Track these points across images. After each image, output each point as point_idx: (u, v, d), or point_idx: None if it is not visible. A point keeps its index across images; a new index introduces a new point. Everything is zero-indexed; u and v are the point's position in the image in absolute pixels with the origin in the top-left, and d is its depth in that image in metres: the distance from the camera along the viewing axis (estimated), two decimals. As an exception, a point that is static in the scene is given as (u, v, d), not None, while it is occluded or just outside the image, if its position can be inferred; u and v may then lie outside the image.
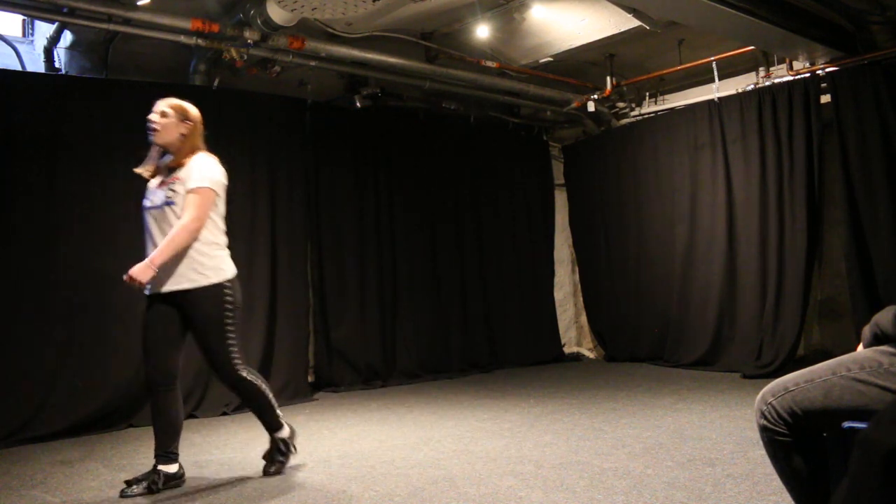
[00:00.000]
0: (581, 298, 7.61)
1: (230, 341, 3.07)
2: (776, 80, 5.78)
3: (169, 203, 3.04)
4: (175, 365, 3.08)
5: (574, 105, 6.70)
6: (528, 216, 7.30)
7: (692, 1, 4.30)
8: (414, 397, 5.33)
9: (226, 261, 3.13)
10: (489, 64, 6.03)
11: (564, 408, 4.61)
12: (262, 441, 3.84)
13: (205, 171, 3.08)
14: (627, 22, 5.33)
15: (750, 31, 4.88)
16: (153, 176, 3.20)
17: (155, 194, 3.13)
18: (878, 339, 1.64)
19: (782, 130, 5.69)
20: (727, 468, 2.99)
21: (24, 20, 5.01)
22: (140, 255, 4.79)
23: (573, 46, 5.85)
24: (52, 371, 4.39)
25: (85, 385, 4.46)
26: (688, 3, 4.38)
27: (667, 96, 6.75)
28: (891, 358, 1.57)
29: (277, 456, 3.27)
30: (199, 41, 4.73)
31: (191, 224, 2.99)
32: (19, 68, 4.74)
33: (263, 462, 3.30)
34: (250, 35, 4.71)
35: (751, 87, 5.95)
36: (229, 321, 3.06)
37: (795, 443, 1.64)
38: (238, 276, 3.19)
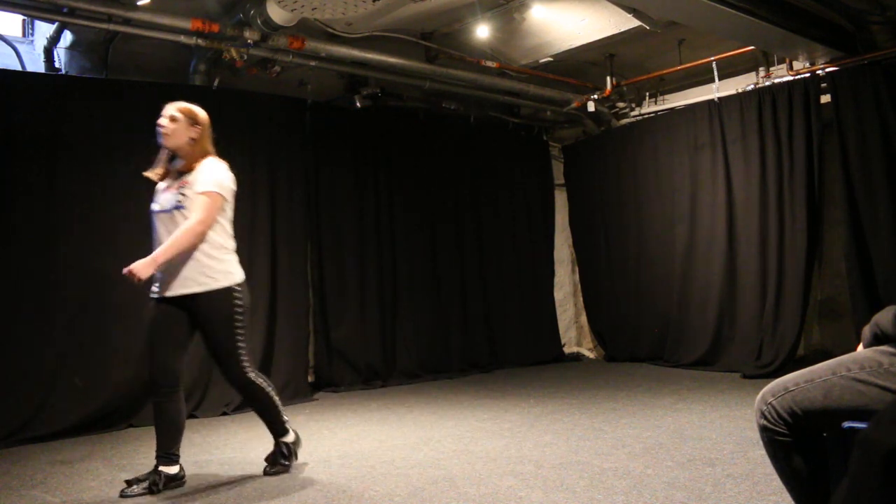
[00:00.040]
0: (581, 298, 7.61)
1: (239, 344, 3.08)
2: (776, 80, 5.78)
3: (179, 207, 3.05)
4: (179, 367, 3.08)
5: (574, 105, 6.70)
6: (528, 216, 7.30)
7: (692, 1, 4.30)
8: (414, 397, 5.33)
9: (235, 265, 3.14)
10: (489, 64, 6.03)
11: (564, 408, 4.61)
12: (262, 441, 3.85)
13: (214, 176, 3.08)
14: (627, 22, 5.33)
15: (750, 31, 4.88)
16: (162, 179, 3.20)
17: (164, 198, 3.14)
18: (878, 339, 1.64)
19: (782, 130, 5.69)
20: (727, 468, 2.99)
21: (24, 20, 5.01)
22: (141, 256, 4.81)
23: (573, 46, 5.85)
24: (52, 371, 4.39)
25: (85, 385, 4.46)
26: (688, 3, 4.38)
27: (667, 96, 6.75)
28: (891, 358, 1.57)
29: (280, 459, 3.28)
30: (199, 41, 4.73)
31: (196, 227, 2.99)
32: (19, 68, 4.74)
33: (265, 463, 3.30)
34: (250, 35, 4.71)
35: (751, 87, 5.95)
36: (239, 324, 3.08)
37: (795, 443, 1.64)
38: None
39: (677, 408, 4.42)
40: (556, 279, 7.51)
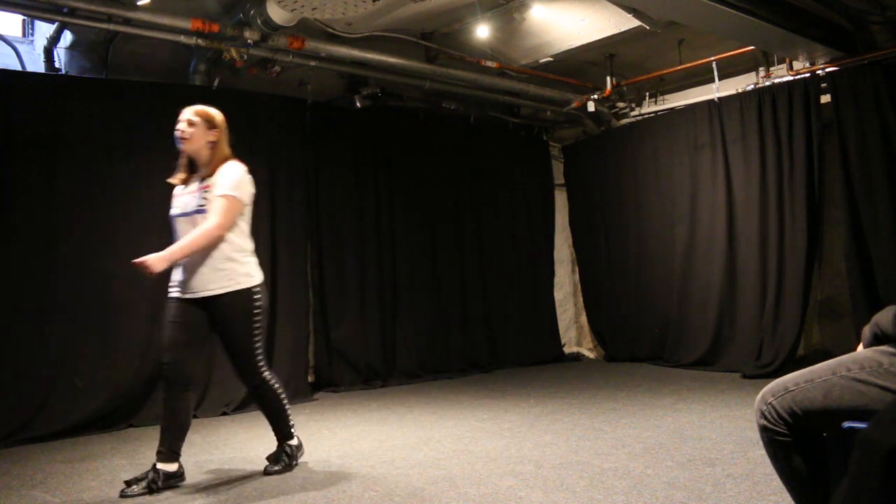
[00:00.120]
0: (581, 298, 7.61)
1: (257, 344, 3.13)
2: (776, 80, 5.78)
3: (200, 211, 3.07)
4: (193, 367, 3.12)
5: (574, 105, 6.70)
6: (528, 216, 7.30)
7: (692, 1, 4.30)
8: (414, 397, 5.33)
9: (254, 266, 3.18)
10: (489, 64, 6.03)
11: (564, 408, 4.61)
12: (262, 441, 3.85)
13: (233, 179, 3.10)
14: (627, 22, 5.33)
15: (750, 31, 4.88)
16: (184, 183, 3.21)
17: (184, 201, 3.15)
18: (878, 339, 1.64)
19: (782, 130, 5.69)
20: (727, 468, 2.99)
21: (24, 20, 5.01)
22: (137, 256, 4.79)
23: (573, 46, 5.85)
24: (52, 371, 4.39)
25: (85, 385, 4.46)
26: (688, 3, 4.38)
27: (667, 96, 6.75)
28: (891, 358, 1.57)
29: (283, 458, 3.28)
30: (199, 41, 4.73)
31: (214, 230, 3.01)
32: (19, 68, 4.74)
33: (265, 462, 3.31)
34: (250, 35, 4.71)
35: (751, 87, 5.95)
36: (257, 325, 3.12)
37: (795, 443, 1.64)
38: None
39: (677, 408, 4.42)
40: (556, 279, 7.51)
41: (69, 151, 4.60)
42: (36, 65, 4.85)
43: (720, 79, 6.06)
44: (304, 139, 5.77)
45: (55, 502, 2.96)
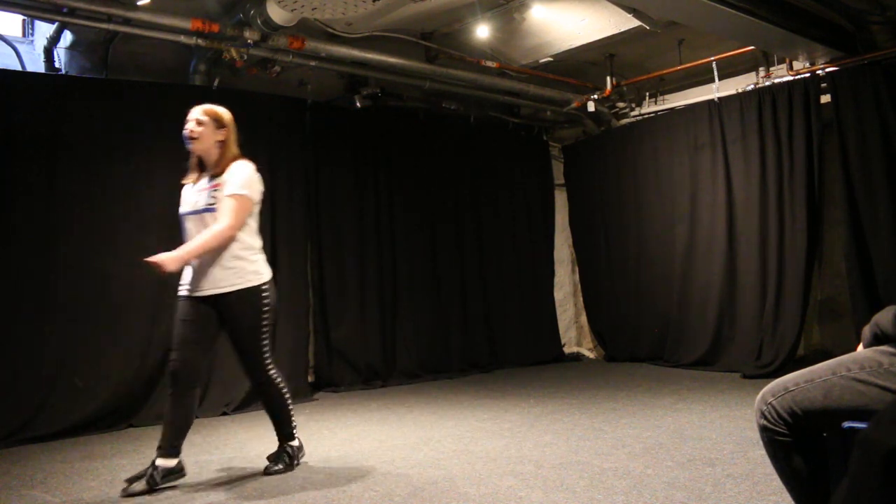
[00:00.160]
0: (581, 298, 7.61)
1: (264, 342, 3.16)
2: (776, 80, 5.78)
3: (209, 209, 3.09)
4: (201, 364, 3.13)
5: (574, 105, 6.70)
6: (528, 216, 7.30)
7: (692, 1, 4.30)
8: (414, 397, 5.33)
9: (263, 264, 3.21)
10: (489, 64, 6.03)
11: (564, 408, 4.61)
12: (262, 441, 3.85)
13: (243, 178, 3.12)
14: (627, 22, 5.33)
15: (750, 31, 4.88)
16: (193, 181, 3.23)
17: (193, 199, 3.17)
18: (878, 339, 1.64)
19: (782, 130, 5.69)
20: (727, 468, 2.99)
21: (24, 20, 5.01)
22: (137, 256, 4.79)
23: (573, 46, 5.85)
24: (52, 371, 4.39)
25: (85, 385, 4.46)
26: (688, 3, 4.38)
27: (667, 96, 6.75)
28: (891, 358, 1.57)
29: (284, 458, 3.29)
30: (199, 41, 4.73)
31: (226, 231, 3.04)
32: (19, 68, 4.74)
33: (265, 462, 3.31)
34: (250, 35, 4.71)
35: (751, 87, 5.95)
36: (264, 322, 3.15)
37: (795, 443, 1.64)
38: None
39: (677, 408, 4.42)
40: (556, 279, 7.51)
41: (69, 151, 4.60)
42: (36, 65, 4.85)
43: (720, 79, 6.06)
44: (304, 139, 5.77)
45: (55, 502, 2.96)
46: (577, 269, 7.68)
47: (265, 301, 3.15)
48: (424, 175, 6.52)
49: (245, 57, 4.94)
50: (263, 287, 3.15)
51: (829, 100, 5.40)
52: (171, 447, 3.07)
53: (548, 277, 7.43)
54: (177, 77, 5.21)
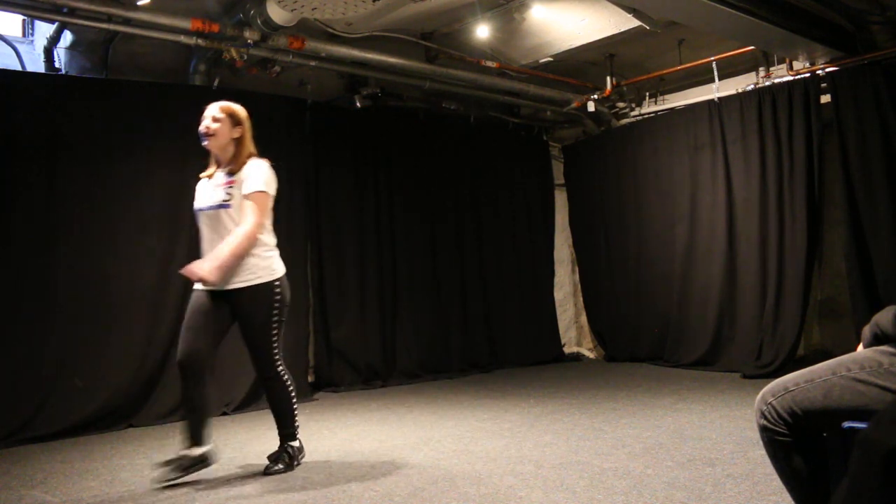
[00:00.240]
0: (581, 298, 7.61)
1: (274, 337, 3.18)
2: (776, 80, 5.78)
3: (224, 206, 3.12)
4: (208, 356, 3.13)
5: (574, 105, 6.70)
6: (528, 216, 7.30)
7: (692, 1, 4.30)
8: (414, 397, 5.33)
9: (277, 260, 3.25)
10: (489, 64, 6.03)
11: (564, 408, 4.61)
12: (262, 441, 3.85)
13: (261, 176, 3.16)
14: (627, 22, 5.33)
15: (750, 31, 4.88)
16: (210, 177, 3.26)
17: (208, 195, 3.20)
18: (878, 339, 1.64)
19: (782, 130, 5.69)
20: (727, 468, 2.99)
21: (24, 20, 5.01)
22: (137, 256, 4.82)
23: (573, 46, 5.85)
24: (52, 371, 4.39)
25: (85, 385, 4.46)
26: (688, 3, 4.38)
27: (667, 96, 6.75)
28: (891, 358, 1.57)
29: (284, 457, 3.29)
30: (199, 41, 4.73)
31: (253, 231, 3.09)
32: (19, 68, 4.74)
33: (265, 462, 3.31)
34: (250, 35, 4.71)
35: (751, 87, 5.95)
36: (276, 319, 3.18)
37: (795, 443, 1.64)
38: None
39: (677, 408, 4.42)
40: (556, 279, 7.51)
41: (69, 151, 4.60)
42: (36, 65, 4.85)
43: (720, 79, 6.06)
44: (304, 139, 5.77)
45: (55, 502, 2.96)
46: (577, 269, 7.68)
47: (277, 297, 3.18)
48: (424, 175, 6.52)
49: (245, 57, 4.94)
50: (276, 283, 3.18)
51: (829, 100, 5.40)
52: (193, 439, 3.12)
53: (548, 277, 7.43)
54: (177, 77, 5.21)
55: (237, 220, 3.13)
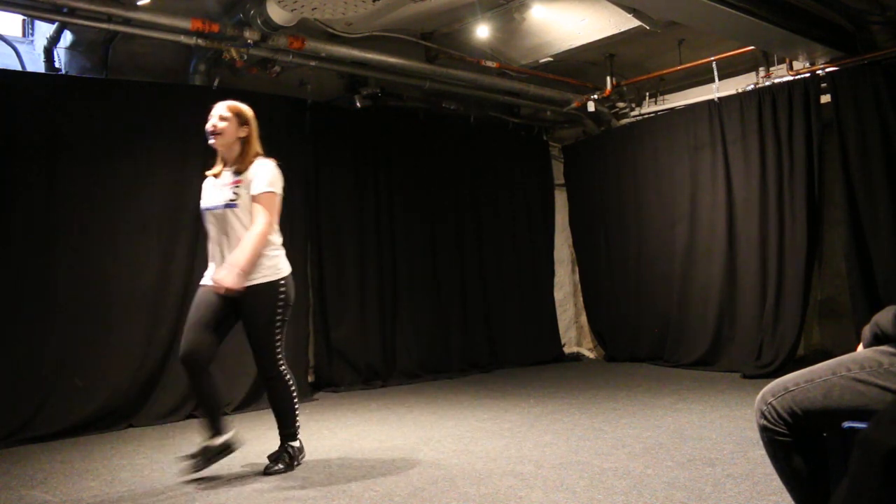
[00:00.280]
0: (581, 298, 7.61)
1: (278, 336, 3.20)
2: (776, 80, 5.78)
3: (231, 205, 3.14)
4: (211, 351, 3.14)
5: (574, 105, 6.70)
6: (528, 216, 7.30)
7: (692, 1, 4.30)
8: (414, 397, 5.33)
9: (282, 259, 3.27)
10: (489, 64, 6.03)
11: (564, 408, 4.61)
12: (262, 441, 3.85)
13: (269, 176, 3.19)
14: (627, 22, 5.33)
15: (750, 31, 4.88)
16: (216, 176, 3.27)
17: (215, 195, 3.22)
18: (878, 339, 1.64)
19: (782, 130, 5.69)
20: (727, 468, 2.99)
21: (24, 20, 5.01)
22: (137, 256, 4.81)
23: (573, 46, 5.85)
24: (52, 371, 4.39)
25: (85, 385, 4.46)
26: (688, 3, 4.38)
27: (667, 96, 6.75)
28: (891, 358, 1.57)
29: (285, 457, 3.29)
30: (199, 41, 4.73)
31: (265, 231, 3.13)
32: (19, 68, 4.74)
33: (266, 462, 3.31)
34: (250, 35, 4.71)
35: (751, 87, 5.95)
36: (279, 317, 3.19)
37: (795, 443, 1.64)
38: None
39: (677, 408, 4.42)
40: (556, 279, 7.51)
41: (69, 151, 4.60)
42: (36, 65, 4.84)
43: (720, 79, 6.06)
44: (304, 139, 5.77)
45: (55, 502, 2.96)
46: (577, 269, 7.68)
47: (282, 297, 3.19)
48: (424, 175, 6.52)
49: (245, 57, 4.94)
50: (281, 282, 3.19)
51: (829, 100, 5.40)
52: (212, 429, 3.17)
53: (548, 277, 7.43)
54: (177, 77, 5.21)
55: (244, 219, 3.15)
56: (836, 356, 1.66)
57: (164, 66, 5.21)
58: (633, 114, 6.99)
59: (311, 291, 5.76)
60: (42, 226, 4.47)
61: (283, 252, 3.28)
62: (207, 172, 3.33)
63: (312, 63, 5.35)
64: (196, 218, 4.86)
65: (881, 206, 5.05)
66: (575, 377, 6.10)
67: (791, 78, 5.66)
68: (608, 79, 6.50)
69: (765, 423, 1.67)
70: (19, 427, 4.18)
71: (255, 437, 4.08)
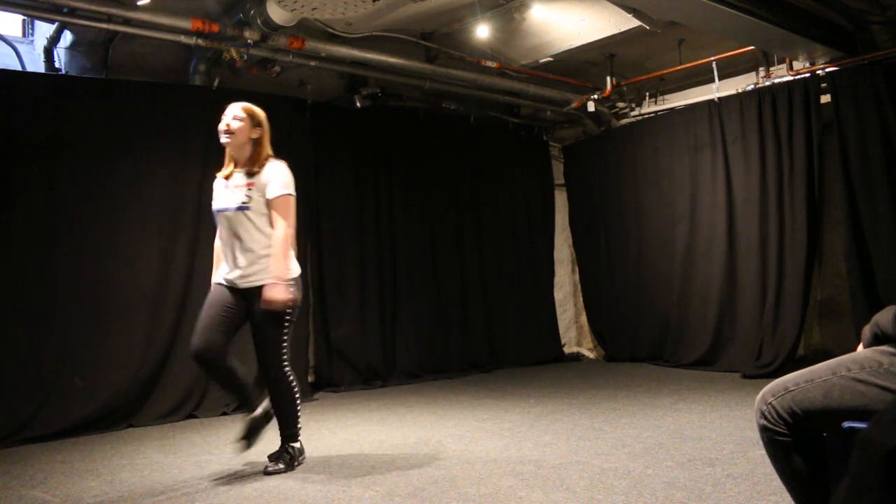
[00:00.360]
0: (581, 298, 7.61)
1: (284, 337, 3.23)
2: (776, 80, 5.78)
3: (244, 208, 3.17)
4: (223, 349, 3.17)
5: (574, 105, 6.70)
6: (528, 216, 7.30)
7: (692, 1, 4.30)
8: (414, 397, 5.33)
9: (292, 261, 3.28)
10: (489, 64, 6.02)
11: (564, 408, 4.61)
12: (262, 441, 3.84)
13: (284, 179, 3.23)
14: (627, 22, 5.33)
15: (750, 31, 4.88)
16: (227, 178, 3.29)
17: (227, 197, 3.24)
18: (878, 339, 1.64)
19: (782, 130, 5.69)
20: (727, 468, 2.99)
21: (24, 20, 5.01)
22: (137, 256, 4.81)
23: (573, 46, 5.85)
24: (52, 371, 4.39)
25: (85, 385, 4.46)
26: (688, 3, 4.38)
27: (667, 96, 6.75)
28: (891, 358, 1.57)
29: (285, 457, 3.29)
30: (199, 41, 4.73)
31: (289, 231, 3.19)
32: (19, 68, 4.74)
33: (266, 462, 3.31)
34: (250, 35, 4.71)
35: (751, 87, 5.95)
36: (287, 319, 3.22)
37: (795, 443, 1.64)
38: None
39: (677, 408, 4.42)
40: (556, 279, 7.51)
41: (69, 151, 4.60)
42: (36, 65, 4.84)
43: (720, 79, 6.06)
44: (304, 139, 5.76)
45: (55, 502, 2.96)
46: (577, 269, 7.68)
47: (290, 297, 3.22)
48: (424, 175, 6.52)
49: (245, 57, 4.94)
50: (290, 283, 3.21)
51: (829, 100, 5.39)
52: (247, 406, 3.28)
53: (548, 277, 7.43)
54: (177, 77, 5.21)
55: (256, 221, 3.18)
56: (836, 356, 1.66)
57: (164, 66, 5.21)
58: (633, 114, 6.99)
59: (311, 291, 5.76)
60: (42, 225, 4.47)
61: (293, 253, 3.31)
62: (218, 173, 3.34)
63: (312, 63, 5.35)
64: (196, 218, 4.91)
65: (881, 206, 5.05)
66: (575, 377, 6.10)
67: (791, 78, 5.66)
68: (608, 79, 6.49)
69: (765, 423, 1.67)
70: (19, 427, 4.18)
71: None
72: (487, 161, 6.97)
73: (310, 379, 5.70)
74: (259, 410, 3.27)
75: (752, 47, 5.68)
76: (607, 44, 5.86)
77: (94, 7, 4.35)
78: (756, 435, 1.75)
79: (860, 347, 1.69)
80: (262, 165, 3.24)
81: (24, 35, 5.05)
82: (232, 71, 5.27)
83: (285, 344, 3.24)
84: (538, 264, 7.34)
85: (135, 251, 4.76)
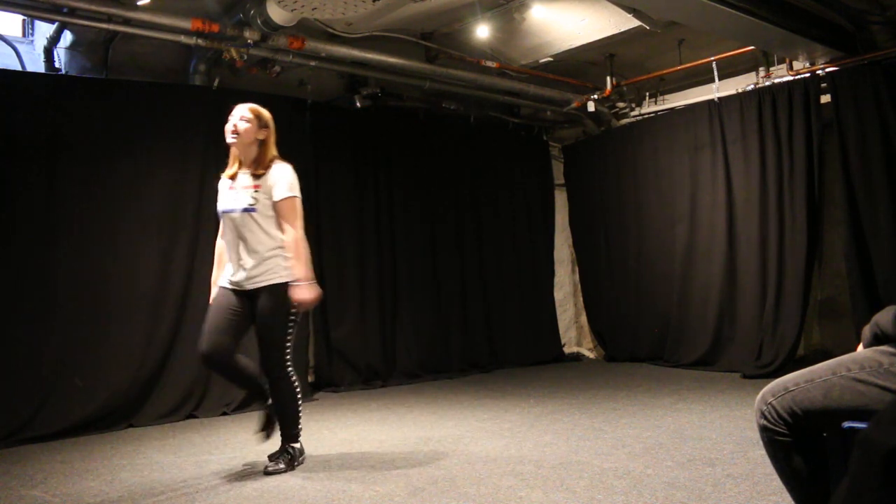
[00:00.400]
0: (581, 298, 7.61)
1: (289, 337, 3.24)
2: (776, 80, 5.78)
3: (250, 209, 3.18)
4: (231, 351, 3.19)
5: (574, 105, 6.70)
6: (528, 216, 7.30)
7: (692, 1, 4.30)
8: (414, 397, 5.33)
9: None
10: (489, 64, 6.02)
11: (564, 408, 4.61)
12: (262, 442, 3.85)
13: (290, 180, 3.25)
14: (627, 22, 5.33)
15: (750, 31, 4.88)
16: (232, 178, 3.30)
17: (232, 198, 3.25)
18: (878, 339, 1.64)
19: (782, 130, 5.69)
20: (727, 468, 2.99)
21: (24, 20, 5.01)
22: (137, 256, 4.81)
23: (573, 46, 5.85)
24: (52, 371, 4.39)
25: (85, 385, 4.46)
26: (688, 3, 4.38)
27: (667, 96, 6.75)
28: (891, 358, 1.57)
29: (285, 457, 3.30)
30: (199, 41, 4.73)
31: (299, 233, 3.23)
32: (19, 68, 4.74)
33: (265, 462, 3.31)
34: (250, 35, 4.71)
35: (751, 87, 5.95)
36: (292, 319, 3.24)
37: (795, 443, 1.64)
38: None
39: (677, 408, 4.42)
40: (556, 279, 7.51)
41: (69, 151, 4.60)
42: (36, 65, 4.85)
43: (720, 79, 6.05)
44: (304, 139, 5.76)
45: (55, 502, 2.96)
46: (577, 269, 7.68)
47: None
48: (424, 175, 6.52)
49: (245, 57, 4.94)
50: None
51: (829, 100, 5.39)
52: (261, 399, 3.35)
53: (548, 277, 7.43)
54: (177, 77, 5.21)
55: (262, 223, 3.19)
56: (836, 356, 1.66)
57: (164, 66, 5.22)
58: (633, 114, 6.99)
59: (311, 291, 5.76)
60: (42, 225, 4.47)
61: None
62: (222, 174, 3.35)
63: (312, 63, 5.35)
64: (196, 218, 4.91)
65: (881, 206, 5.05)
66: (575, 377, 6.10)
67: (791, 78, 5.66)
68: (608, 79, 6.49)
69: (765, 423, 1.67)
70: (19, 427, 4.18)
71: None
72: (487, 161, 6.97)
73: (310, 379, 5.70)
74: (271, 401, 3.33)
75: (752, 47, 5.68)
76: (607, 44, 5.86)
77: (94, 7, 4.35)
78: (756, 435, 1.75)
79: (860, 347, 1.69)
80: (267, 167, 3.24)
81: (24, 35, 5.05)
82: (232, 71, 5.27)
83: (289, 345, 3.25)
84: (538, 264, 7.34)
85: (135, 251, 4.76)
